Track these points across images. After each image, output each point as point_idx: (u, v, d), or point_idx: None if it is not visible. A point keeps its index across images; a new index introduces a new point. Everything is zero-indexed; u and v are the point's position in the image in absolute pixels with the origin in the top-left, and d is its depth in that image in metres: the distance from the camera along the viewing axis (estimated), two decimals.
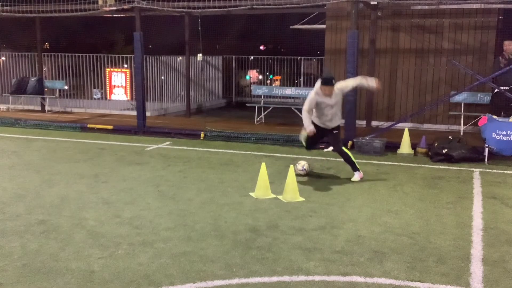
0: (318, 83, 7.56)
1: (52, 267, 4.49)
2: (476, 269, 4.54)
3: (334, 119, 7.73)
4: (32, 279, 4.26)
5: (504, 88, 10.13)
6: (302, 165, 7.92)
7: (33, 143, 10.70)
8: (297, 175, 7.47)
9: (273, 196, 6.75)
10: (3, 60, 17.56)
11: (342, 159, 7.94)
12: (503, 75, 10.06)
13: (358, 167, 7.80)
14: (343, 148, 7.92)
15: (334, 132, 7.86)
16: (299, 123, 13.03)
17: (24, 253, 4.79)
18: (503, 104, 10.26)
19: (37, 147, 10.19)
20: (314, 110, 7.63)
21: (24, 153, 9.53)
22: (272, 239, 5.20)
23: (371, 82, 7.83)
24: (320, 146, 10.21)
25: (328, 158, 9.30)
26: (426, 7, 11.87)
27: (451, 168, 8.58)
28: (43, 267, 4.49)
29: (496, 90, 10.25)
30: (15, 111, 15.46)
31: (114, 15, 15.53)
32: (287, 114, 13.99)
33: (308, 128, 7.54)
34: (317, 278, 4.33)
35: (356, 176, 7.73)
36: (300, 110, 13.24)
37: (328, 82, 7.43)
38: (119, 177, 7.71)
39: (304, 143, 8.11)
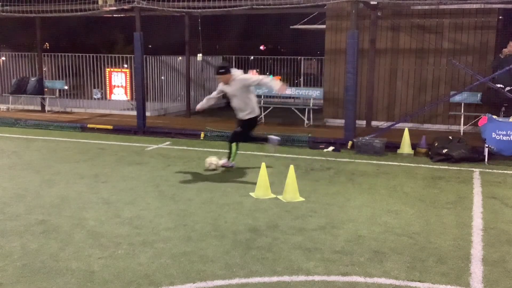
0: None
1: (52, 267, 4.49)
2: (476, 269, 4.54)
3: (242, 111, 8.04)
4: (32, 279, 4.25)
5: (500, 86, 10.18)
6: (209, 162, 8.21)
7: (33, 143, 10.70)
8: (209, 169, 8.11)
9: (273, 196, 6.75)
10: (3, 60, 17.56)
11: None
12: (498, 74, 10.11)
13: (233, 159, 8.27)
14: (234, 143, 8.23)
15: (243, 123, 8.14)
16: (299, 123, 13.10)
17: (24, 253, 4.79)
18: (495, 102, 10.39)
19: (37, 147, 10.19)
20: None
21: (24, 153, 9.54)
22: (272, 239, 5.20)
23: (274, 84, 7.92)
24: (320, 146, 10.22)
25: (328, 158, 9.30)
26: (426, 7, 11.87)
27: (451, 168, 8.58)
28: (43, 267, 4.49)
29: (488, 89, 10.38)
30: (15, 111, 15.47)
31: (114, 15, 15.55)
32: (287, 114, 14.00)
33: (198, 105, 8.50)
34: (317, 278, 4.33)
35: (224, 161, 8.26)
36: (300, 110, 13.30)
37: (217, 72, 7.96)
38: (119, 177, 7.71)
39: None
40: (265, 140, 8.48)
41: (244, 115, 8.09)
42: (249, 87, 7.99)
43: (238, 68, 19.30)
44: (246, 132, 8.21)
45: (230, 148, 8.28)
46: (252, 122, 8.15)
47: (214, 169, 8.18)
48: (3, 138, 11.23)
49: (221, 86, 8.13)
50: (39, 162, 8.76)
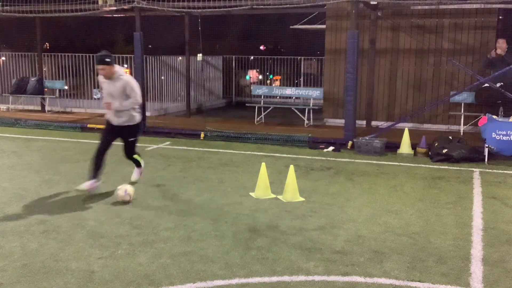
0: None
1: (52, 267, 4.49)
2: (476, 269, 4.54)
3: (117, 114, 6.80)
4: (32, 279, 4.26)
5: (500, 84, 10.20)
6: (124, 190, 6.47)
7: (33, 143, 10.70)
8: (122, 201, 6.43)
9: (273, 196, 6.75)
10: (3, 60, 17.56)
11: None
12: (496, 72, 10.14)
13: (141, 164, 7.33)
14: (135, 156, 7.26)
15: (124, 134, 6.98)
16: (299, 123, 13.10)
17: (24, 253, 4.80)
18: (488, 100, 10.45)
19: (37, 147, 10.19)
20: None
21: (24, 153, 9.54)
22: (272, 239, 5.21)
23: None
24: (320, 146, 10.22)
25: (328, 158, 9.30)
26: (426, 7, 11.88)
27: (451, 168, 8.58)
28: (43, 267, 4.49)
29: (483, 87, 10.43)
30: (15, 111, 15.46)
31: (114, 15, 15.54)
32: (287, 114, 14.00)
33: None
34: (317, 278, 4.33)
35: (135, 174, 7.31)
36: (300, 110, 13.30)
37: (98, 61, 6.58)
38: (119, 177, 7.71)
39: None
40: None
41: (119, 117, 6.91)
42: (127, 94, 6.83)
43: (240, 68, 19.40)
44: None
45: (137, 163, 7.36)
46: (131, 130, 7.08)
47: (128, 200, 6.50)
48: (3, 138, 11.23)
49: (100, 78, 6.92)
50: (39, 162, 8.76)
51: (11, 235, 5.27)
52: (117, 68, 6.88)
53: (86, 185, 6.65)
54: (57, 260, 4.66)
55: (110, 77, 6.77)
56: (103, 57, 6.68)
